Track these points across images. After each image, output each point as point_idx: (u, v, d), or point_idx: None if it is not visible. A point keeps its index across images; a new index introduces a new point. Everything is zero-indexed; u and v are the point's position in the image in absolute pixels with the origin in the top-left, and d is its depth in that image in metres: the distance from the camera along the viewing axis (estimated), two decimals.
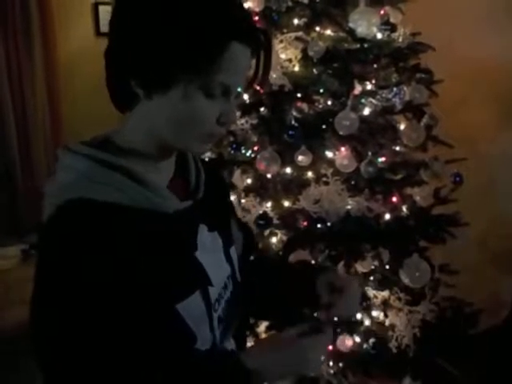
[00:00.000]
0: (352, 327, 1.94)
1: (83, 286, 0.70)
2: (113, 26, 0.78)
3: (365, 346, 1.97)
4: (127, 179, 0.77)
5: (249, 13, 0.79)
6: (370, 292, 1.99)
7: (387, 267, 2.00)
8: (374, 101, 1.92)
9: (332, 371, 1.93)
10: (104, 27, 3.39)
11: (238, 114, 1.92)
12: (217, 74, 0.74)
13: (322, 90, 1.91)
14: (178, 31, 0.72)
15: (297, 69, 1.93)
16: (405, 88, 1.95)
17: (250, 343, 1.08)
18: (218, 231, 0.92)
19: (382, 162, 1.97)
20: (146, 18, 0.74)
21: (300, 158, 1.86)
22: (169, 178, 0.87)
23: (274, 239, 1.94)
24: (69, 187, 0.76)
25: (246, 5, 1.99)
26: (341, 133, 1.84)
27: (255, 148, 1.94)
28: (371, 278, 2.00)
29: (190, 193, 0.89)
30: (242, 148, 1.91)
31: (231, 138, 1.91)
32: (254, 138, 1.93)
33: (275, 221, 1.89)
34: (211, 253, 0.88)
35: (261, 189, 1.96)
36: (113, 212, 0.75)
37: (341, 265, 1.86)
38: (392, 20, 1.99)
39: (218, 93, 0.76)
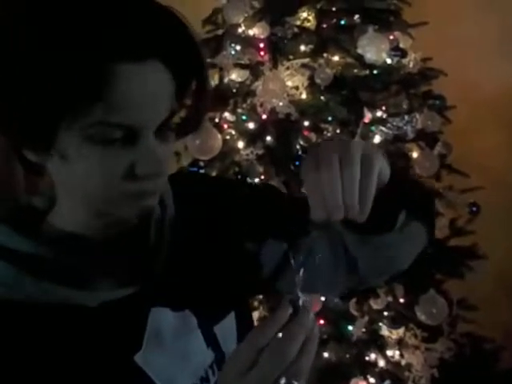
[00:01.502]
0: (366, 368, 1.84)
1: None
2: None
3: None
4: (15, 269, 0.58)
5: (135, 20, 0.54)
6: (384, 330, 1.89)
7: (402, 303, 1.91)
8: (384, 129, 1.85)
9: None
10: None
11: (242, 143, 1.86)
12: (102, 113, 0.53)
13: (329, 118, 1.86)
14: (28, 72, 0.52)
15: (304, 96, 1.88)
16: (417, 115, 1.88)
17: None
18: (191, 307, 0.68)
19: None
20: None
21: None
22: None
23: None
24: None
25: (251, 31, 1.95)
26: None
27: (261, 179, 1.87)
28: (385, 314, 1.91)
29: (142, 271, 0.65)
30: (247, 179, 1.84)
31: (236, 169, 1.84)
32: (260, 169, 1.86)
33: None
34: (175, 343, 0.65)
35: None
36: (7, 312, 0.57)
37: (353, 302, 1.77)
38: (402, 45, 1.94)
39: (119, 137, 0.55)
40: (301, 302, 0.54)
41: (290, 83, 1.87)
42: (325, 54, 1.88)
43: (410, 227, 0.73)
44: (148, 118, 0.56)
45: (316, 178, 0.57)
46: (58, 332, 0.58)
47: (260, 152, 1.85)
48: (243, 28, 1.96)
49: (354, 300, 1.78)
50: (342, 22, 1.91)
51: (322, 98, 1.86)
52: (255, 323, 0.83)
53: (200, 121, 0.66)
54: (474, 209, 1.98)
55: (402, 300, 1.90)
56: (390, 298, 1.87)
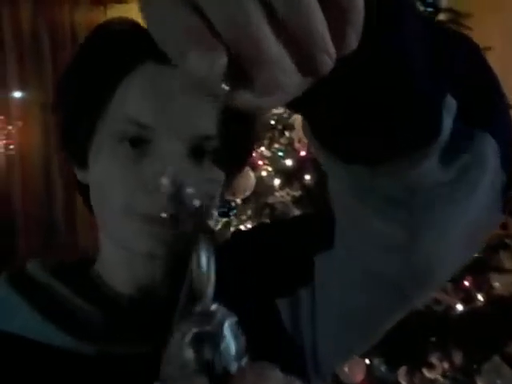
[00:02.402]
0: None
1: None
2: None
3: None
4: (21, 300, 0.55)
5: None
6: None
7: (460, 371, 1.66)
8: None
9: None
10: None
11: (278, 183, 1.68)
12: (118, 107, 0.54)
13: None
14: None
15: None
16: None
17: None
18: None
19: None
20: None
21: None
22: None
23: None
24: None
25: None
26: None
27: None
28: None
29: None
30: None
31: (267, 210, 1.66)
32: (296, 212, 1.68)
33: None
34: None
35: None
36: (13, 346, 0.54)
37: (402, 370, 1.52)
38: None
39: (134, 135, 0.53)
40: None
41: None
42: None
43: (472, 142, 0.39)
44: (167, 122, 0.53)
45: None
46: (50, 374, 0.53)
47: (297, 194, 1.68)
48: None
49: (403, 368, 1.55)
50: None
51: None
52: None
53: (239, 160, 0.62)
54: None
55: (460, 368, 1.65)
56: (445, 365, 1.63)
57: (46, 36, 3.03)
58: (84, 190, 0.60)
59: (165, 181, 0.50)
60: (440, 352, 1.60)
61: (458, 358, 1.64)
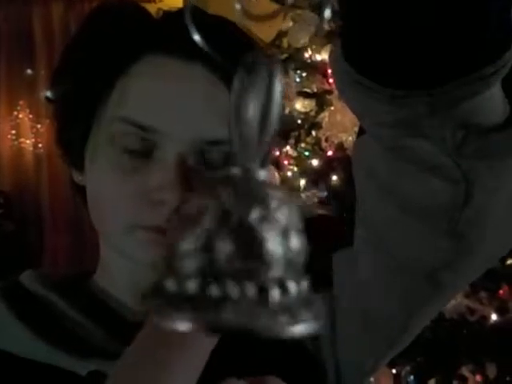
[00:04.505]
0: None
1: None
2: None
3: None
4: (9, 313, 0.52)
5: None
6: None
7: (493, 383, 1.59)
8: None
9: None
10: None
11: (303, 183, 1.64)
12: (117, 105, 0.49)
13: None
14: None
15: None
16: None
17: None
18: None
19: None
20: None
21: None
22: None
23: None
24: None
25: (319, 56, 1.75)
26: None
27: None
28: None
29: None
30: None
31: None
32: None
33: None
34: None
35: None
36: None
37: (432, 382, 1.47)
38: None
39: (138, 147, 0.48)
40: None
41: None
42: None
43: None
44: (171, 124, 0.48)
45: None
46: None
47: (323, 195, 1.64)
48: (310, 52, 1.79)
49: (433, 380, 1.49)
50: None
51: None
52: None
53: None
54: None
55: (493, 381, 1.57)
56: (478, 378, 1.56)
57: None
58: (80, 191, 0.56)
59: (169, 194, 0.46)
60: (473, 364, 1.54)
61: (491, 370, 1.57)
